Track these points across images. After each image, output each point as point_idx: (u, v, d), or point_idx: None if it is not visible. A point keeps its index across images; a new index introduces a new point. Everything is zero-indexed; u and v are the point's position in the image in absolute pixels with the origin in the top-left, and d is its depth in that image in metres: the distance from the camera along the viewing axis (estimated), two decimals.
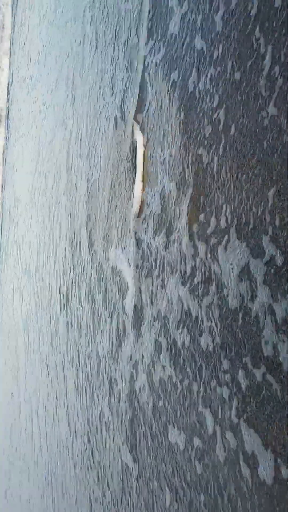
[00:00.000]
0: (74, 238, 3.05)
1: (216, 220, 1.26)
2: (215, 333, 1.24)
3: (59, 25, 3.59)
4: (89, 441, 2.54)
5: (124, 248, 1.97)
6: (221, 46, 1.30)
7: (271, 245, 1.04)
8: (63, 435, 3.11)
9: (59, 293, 3.40)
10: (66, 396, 3.14)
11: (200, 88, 1.40)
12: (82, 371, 2.71)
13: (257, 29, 1.13)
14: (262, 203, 1.08)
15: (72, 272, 3.07)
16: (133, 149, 1.93)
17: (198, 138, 1.40)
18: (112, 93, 2.35)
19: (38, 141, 4.18)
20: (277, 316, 1.01)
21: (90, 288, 2.61)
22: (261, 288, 1.04)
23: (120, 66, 2.21)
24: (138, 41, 1.99)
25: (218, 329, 1.22)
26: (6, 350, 5.45)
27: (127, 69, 2.12)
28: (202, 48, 1.40)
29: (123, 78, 2.17)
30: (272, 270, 1.03)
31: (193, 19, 1.47)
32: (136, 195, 1.83)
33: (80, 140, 2.99)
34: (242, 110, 1.18)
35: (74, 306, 2.98)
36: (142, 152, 1.83)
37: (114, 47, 2.34)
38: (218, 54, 1.31)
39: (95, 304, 2.47)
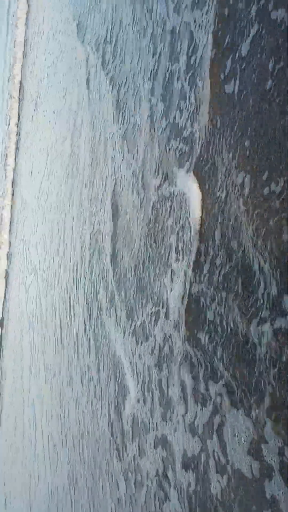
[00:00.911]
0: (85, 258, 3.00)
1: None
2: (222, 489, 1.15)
3: (72, 35, 3.47)
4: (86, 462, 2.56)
5: (125, 350, 1.86)
6: None
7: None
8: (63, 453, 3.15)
9: (65, 304, 3.35)
10: (63, 410, 3.14)
11: None
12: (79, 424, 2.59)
13: None
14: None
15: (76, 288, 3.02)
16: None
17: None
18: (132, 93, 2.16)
19: (47, 149, 4.11)
20: None
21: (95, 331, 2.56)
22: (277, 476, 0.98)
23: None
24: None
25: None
26: (12, 348, 5.50)
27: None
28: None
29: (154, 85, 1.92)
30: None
31: None
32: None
33: (89, 146, 2.91)
34: None
35: (75, 330, 2.94)
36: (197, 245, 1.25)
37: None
38: None
39: (97, 346, 2.40)
